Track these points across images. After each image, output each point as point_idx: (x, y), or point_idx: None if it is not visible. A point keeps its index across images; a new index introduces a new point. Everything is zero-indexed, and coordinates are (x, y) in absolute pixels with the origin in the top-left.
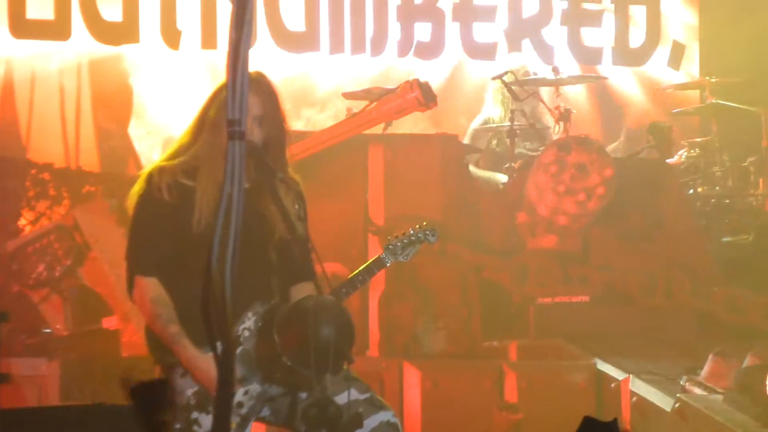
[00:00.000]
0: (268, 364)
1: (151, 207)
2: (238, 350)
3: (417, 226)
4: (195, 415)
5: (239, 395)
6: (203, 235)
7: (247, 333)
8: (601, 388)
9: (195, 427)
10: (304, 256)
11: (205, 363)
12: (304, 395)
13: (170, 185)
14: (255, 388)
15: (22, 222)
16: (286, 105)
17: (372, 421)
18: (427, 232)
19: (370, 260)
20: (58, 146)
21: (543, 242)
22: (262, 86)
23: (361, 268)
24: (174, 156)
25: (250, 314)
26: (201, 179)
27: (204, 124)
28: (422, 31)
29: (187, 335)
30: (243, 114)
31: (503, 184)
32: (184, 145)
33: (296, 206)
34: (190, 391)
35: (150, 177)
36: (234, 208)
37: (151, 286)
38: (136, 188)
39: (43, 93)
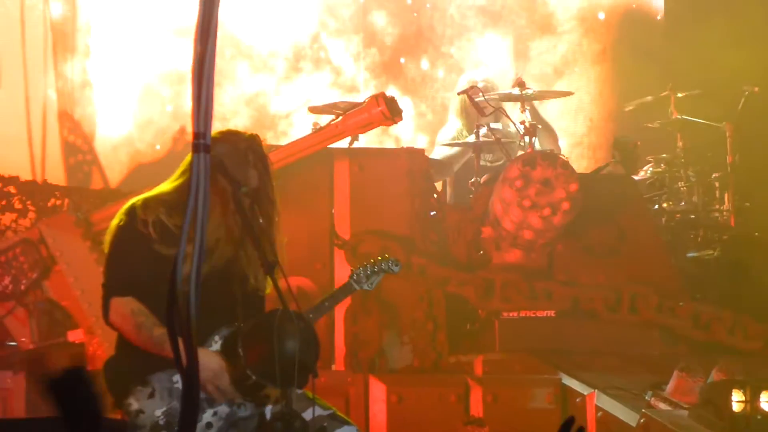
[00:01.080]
0: (234, 379)
1: (132, 236)
2: None
3: (379, 257)
4: None
5: (208, 416)
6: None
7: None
8: (566, 403)
9: None
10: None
11: (204, 356)
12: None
13: (154, 222)
14: (223, 409)
15: None
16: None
17: None
18: (391, 262)
19: (337, 288)
20: (25, 159)
21: (508, 257)
22: (258, 154)
23: (327, 295)
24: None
25: (216, 337)
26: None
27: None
28: None
29: None
30: (208, 127)
31: (471, 196)
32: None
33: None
34: (158, 412)
35: (133, 210)
36: (198, 223)
37: (127, 302)
38: (116, 221)
39: (10, 103)
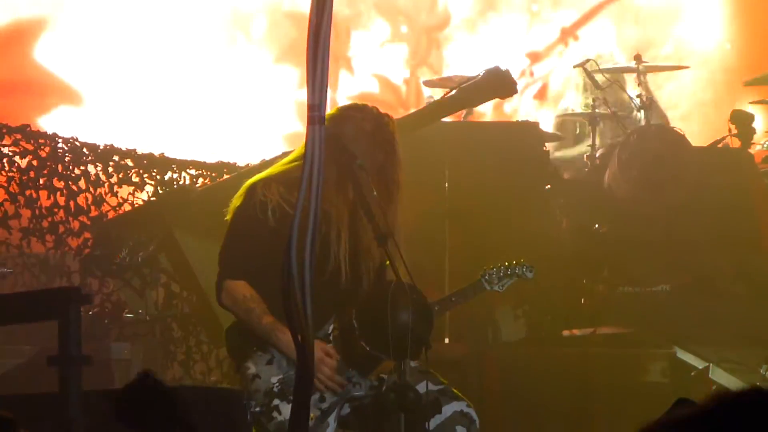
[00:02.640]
0: (348, 351)
1: (251, 223)
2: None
3: (514, 261)
4: (276, 402)
5: None
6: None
7: (336, 332)
8: (681, 377)
9: (275, 414)
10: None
11: None
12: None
13: (274, 207)
14: None
15: (105, 208)
16: None
17: (446, 410)
18: (525, 268)
19: (467, 285)
20: None
21: (623, 231)
22: (386, 134)
23: (455, 291)
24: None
25: (335, 317)
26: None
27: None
28: None
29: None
30: (322, 99)
31: (586, 170)
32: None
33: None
34: (275, 379)
35: (253, 193)
36: (313, 193)
37: (240, 286)
38: (238, 201)
39: None
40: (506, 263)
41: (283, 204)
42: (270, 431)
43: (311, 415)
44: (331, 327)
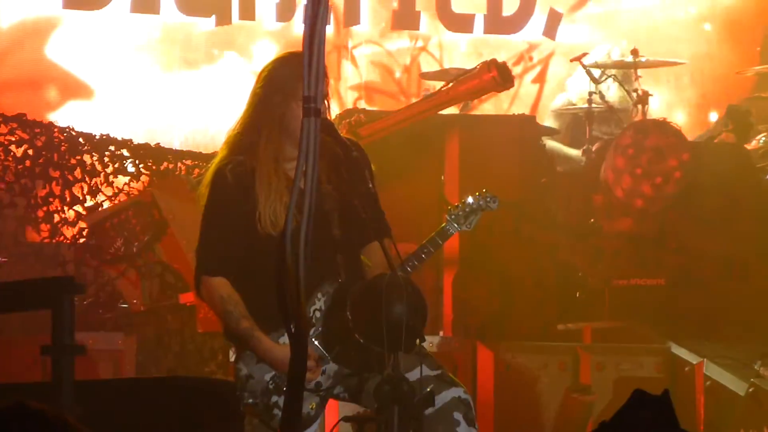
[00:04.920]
0: (342, 342)
1: (218, 207)
2: (312, 331)
3: (477, 193)
4: (275, 398)
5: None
6: (270, 236)
7: (318, 314)
8: (675, 372)
9: (275, 411)
10: (371, 215)
11: (282, 352)
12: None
13: (232, 172)
14: (331, 367)
15: (100, 198)
16: None
17: (443, 396)
18: (488, 199)
19: (434, 232)
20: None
21: (619, 225)
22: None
23: (426, 241)
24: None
25: (319, 295)
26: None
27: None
28: None
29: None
30: (319, 90)
31: (582, 163)
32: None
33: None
34: (268, 376)
35: (219, 175)
36: (308, 187)
37: (217, 285)
38: (205, 190)
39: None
40: (469, 198)
41: (238, 167)
42: (273, 428)
43: (312, 404)
44: (312, 309)
